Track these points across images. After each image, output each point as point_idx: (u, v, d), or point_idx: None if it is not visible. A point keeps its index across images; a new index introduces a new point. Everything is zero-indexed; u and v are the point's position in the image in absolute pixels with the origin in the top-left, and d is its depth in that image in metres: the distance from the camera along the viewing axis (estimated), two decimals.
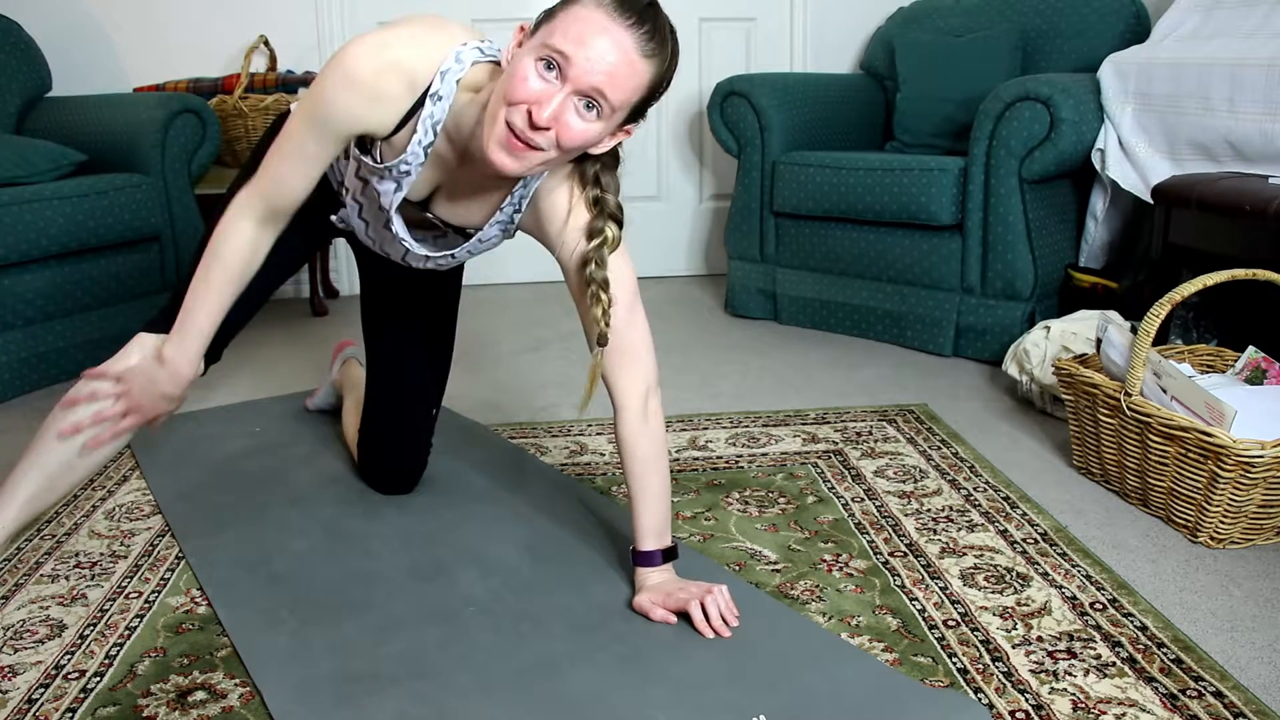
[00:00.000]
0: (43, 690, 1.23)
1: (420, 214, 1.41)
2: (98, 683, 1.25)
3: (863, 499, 1.73)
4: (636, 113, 1.23)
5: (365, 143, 1.30)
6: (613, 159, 1.30)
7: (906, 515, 1.67)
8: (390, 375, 1.71)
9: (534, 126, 1.14)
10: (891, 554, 1.53)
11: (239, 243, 1.33)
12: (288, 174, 1.30)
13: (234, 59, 3.27)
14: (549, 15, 1.17)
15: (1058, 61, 2.80)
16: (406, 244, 1.41)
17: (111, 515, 1.73)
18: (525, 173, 1.21)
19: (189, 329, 1.37)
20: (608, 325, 1.30)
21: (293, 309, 3.32)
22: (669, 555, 1.38)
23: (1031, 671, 1.23)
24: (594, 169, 1.30)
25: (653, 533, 1.37)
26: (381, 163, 1.31)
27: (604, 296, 1.30)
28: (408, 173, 1.31)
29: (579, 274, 1.33)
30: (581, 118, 1.16)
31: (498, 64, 1.26)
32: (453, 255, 1.45)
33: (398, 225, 1.39)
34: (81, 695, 1.22)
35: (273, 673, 1.24)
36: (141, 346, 1.42)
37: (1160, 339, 2.05)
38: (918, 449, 1.95)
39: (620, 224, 1.31)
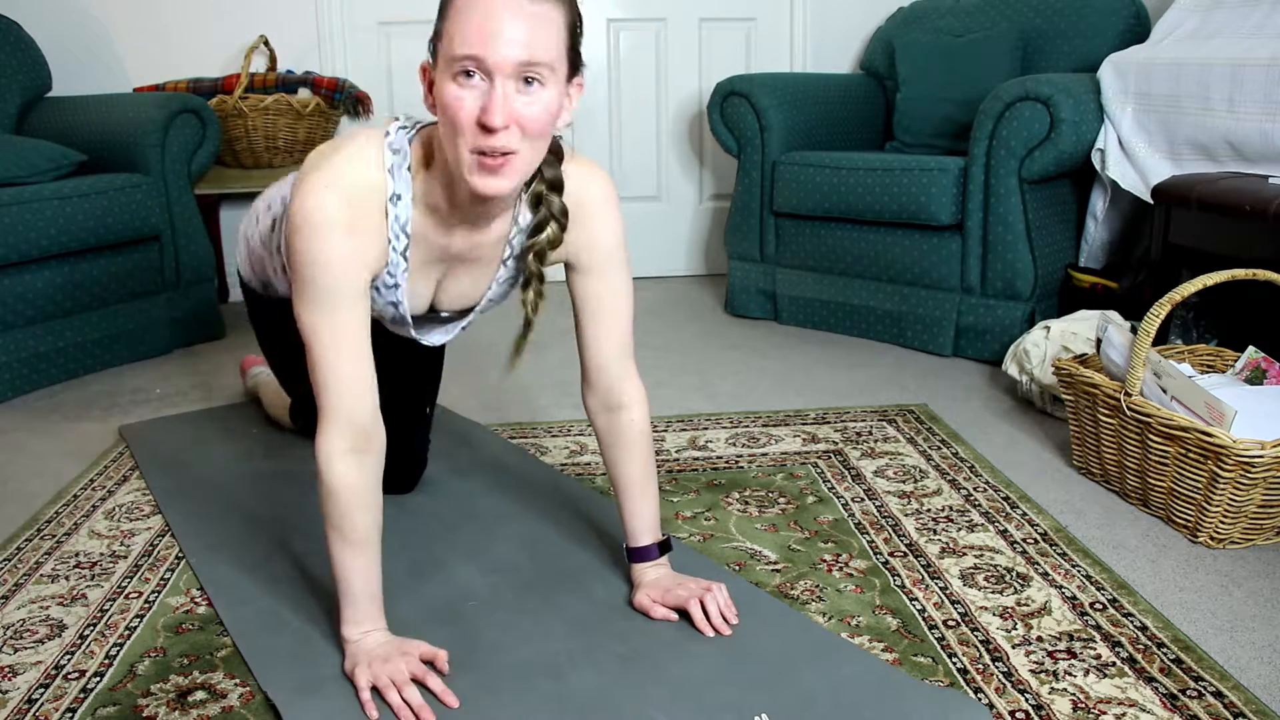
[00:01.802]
0: (43, 690, 1.23)
1: (429, 316, 1.40)
2: (98, 683, 1.25)
3: (863, 499, 1.73)
4: (573, 61, 1.15)
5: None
6: (555, 155, 1.24)
7: (906, 515, 1.67)
8: (385, 374, 1.71)
9: (494, 133, 1.08)
10: (891, 554, 1.53)
11: (347, 491, 1.19)
12: (345, 369, 1.18)
13: (234, 59, 3.27)
14: (437, 35, 1.11)
15: (1058, 61, 2.80)
16: (424, 341, 1.42)
17: (111, 515, 1.73)
18: (519, 183, 1.14)
19: (354, 604, 1.23)
20: (534, 313, 1.26)
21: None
22: (664, 548, 1.39)
23: (1031, 671, 1.23)
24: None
25: (648, 527, 1.38)
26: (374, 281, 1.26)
27: (533, 287, 1.25)
28: (395, 285, 1.27)
29: (518, 262, 1.30)
30: (529, 95, 1.09)
31: (429, 126, 1.22)
32: (462, 329, 1.46)
33: (412, 332, 1.39)
34: (81, 695, 1.22)
35: (275, 672, 1.24)
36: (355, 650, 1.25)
37: (1160, 339, 2.05)
38: (918, 449, 1.95)
39: (562, 225, 1.25)
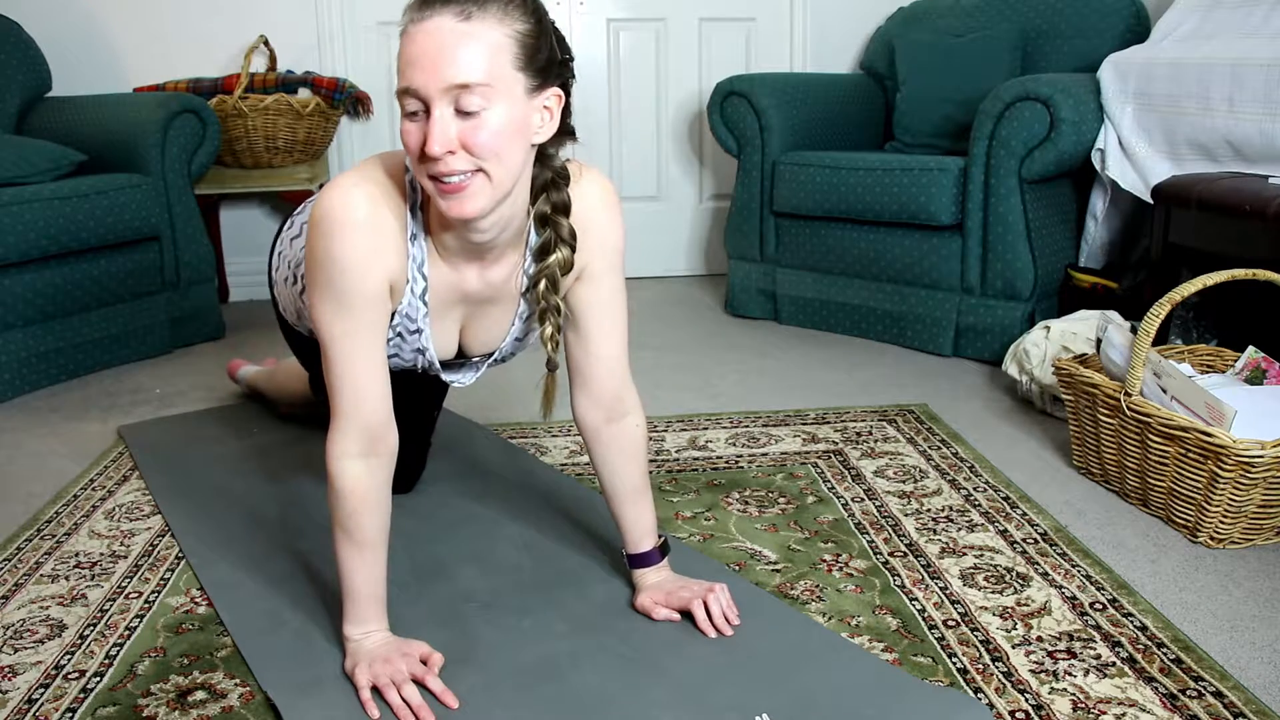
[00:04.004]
0: (43, 690, 1.23)
1: (456, 361, 1.39)
2: (98, 683, 1.25)
3: (863, 499, 1.73)
4: (538, 71, 1.09)
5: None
6: (562, 176, 1.21)
7: (906, 515, 1.67)
8: (397, 381, 1.71)
9: (436, 160, 1.05)
10: (891, 554, 1.53)
11: (355, 493, 1.19)
12: (359, 377, 1.17)
13: (234, 59, 3.27)
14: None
15: (1058, 61, 2.80)
16: (455, 383, 1.41)
17: (111, 515, 1.73)
18: (492, 204, 1.11)
19: (357, 603, 1.22)
20: (555, 349, 1.23)
21: None
22: (664, 550, 1.39)
23: (1031, 671, 1.23)
24: (543, 179, 1.20)
25: (648, 532, 1.38)
26: (395, 326, 1.26)
27: (550, 321, 1.22)
28: (418, 330, 1.26)
29: (529, 292, 1.26)
30: (468, 117, 1.05)
31: None
32: (491, 365, 1.43)
33: (443, 376, 1.38)
34: (81, 695, 1.22)
35: (275, 672, 1.24)
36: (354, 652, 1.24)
37: (1160, 339, 2.06)
38: (918, 449, 1.95)
39: (573, 248, 1.22)
